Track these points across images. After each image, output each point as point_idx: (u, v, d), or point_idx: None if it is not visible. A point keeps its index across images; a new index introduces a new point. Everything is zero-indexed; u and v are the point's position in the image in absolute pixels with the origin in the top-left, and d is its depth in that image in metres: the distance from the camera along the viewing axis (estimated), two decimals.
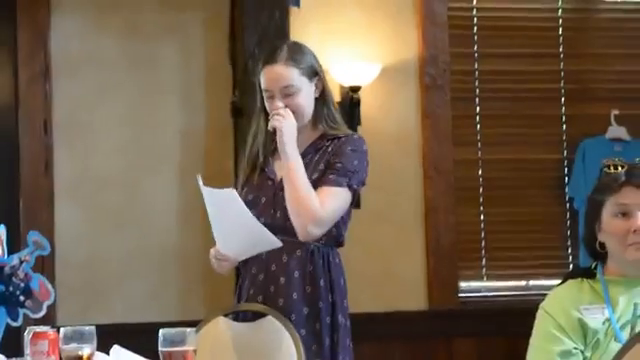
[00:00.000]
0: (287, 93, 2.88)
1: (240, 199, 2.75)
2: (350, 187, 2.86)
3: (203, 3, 4.58)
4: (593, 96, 4.95)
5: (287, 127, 2.83)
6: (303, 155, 2.88)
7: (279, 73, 2.89)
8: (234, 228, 2.79)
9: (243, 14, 4.36)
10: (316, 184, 2.84)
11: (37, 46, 4.43)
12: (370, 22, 4.71)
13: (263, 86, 2.92)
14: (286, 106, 2.87)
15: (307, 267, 2.86)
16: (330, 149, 2.89)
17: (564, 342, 2.50)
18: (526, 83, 4.90)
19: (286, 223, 2.84)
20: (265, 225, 2.82)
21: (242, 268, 2.98)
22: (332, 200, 2.83)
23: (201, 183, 2.80)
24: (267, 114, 2.93)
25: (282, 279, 2.85)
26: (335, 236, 2.91)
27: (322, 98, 2.95)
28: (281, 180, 2.88)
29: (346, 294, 2.94)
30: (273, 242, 2.77)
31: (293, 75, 2.89)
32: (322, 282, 2.86)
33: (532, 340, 2.58)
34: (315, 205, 2.79)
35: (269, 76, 2.90)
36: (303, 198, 2.80)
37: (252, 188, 2.94)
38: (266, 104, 2.93)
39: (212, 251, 2.90)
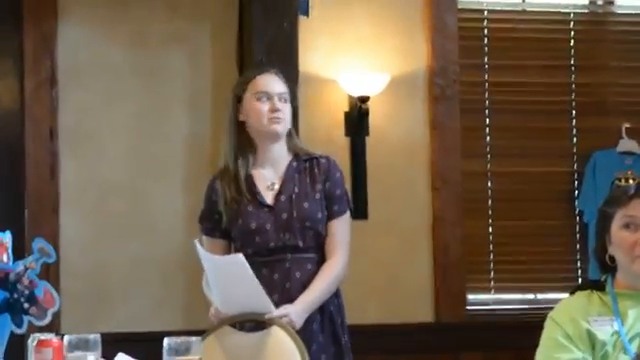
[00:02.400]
0: (283, 98, 3.10)
1: (247, 264, 2.83)
2: (350, 209, 3.15)
3: (211, 12, 4.58)
4: (604, 109, 4.93)
5: (299, 320, 2.93)
6: (288, 178, 3.09)
7: (279, 80, 3.14)
8: (236, 290, 2.88)
9: (251, 23, 4.35)
10: (321, 208, 3.06)
11: (44, 53, 4.43)
12: (379, 32, 4.70)
13: (261, 89, 3.10)
14: (282, 109, 3.08)
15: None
16: (316, 171, 3.10)
17: (572, 351, 2.50)
18: (536, 95, 4.88)
19: (297, 242, 3.03)
20: (275, 248, 3.03)
21: None
22: (344, 228, 3.11)
23: (200, 249, 2.91)
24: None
25: (298, 295, 3.00)
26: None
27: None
28: (276, 204, 3.06)
29: (344, 311, 3.16)
30: (267, 306, 2.88)
31: (286, 88, 3.15)
32: None
33: (539, 349, 2.58)
34: (341, 268, 3.06)
35: (269, 80, 3.13)
36: (335, 281, 3.07)
37: (250, 216, 3.07)
38: (258, 105, 3.08)
39: (212, 310, 3.00)
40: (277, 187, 3.08)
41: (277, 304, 2.95)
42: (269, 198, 3.07)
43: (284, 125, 3.09)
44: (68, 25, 4.47)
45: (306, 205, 3.04)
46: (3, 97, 4.47)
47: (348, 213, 3.14)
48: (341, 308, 3.11)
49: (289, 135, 3.15)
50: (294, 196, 3.05)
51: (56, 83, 4.43)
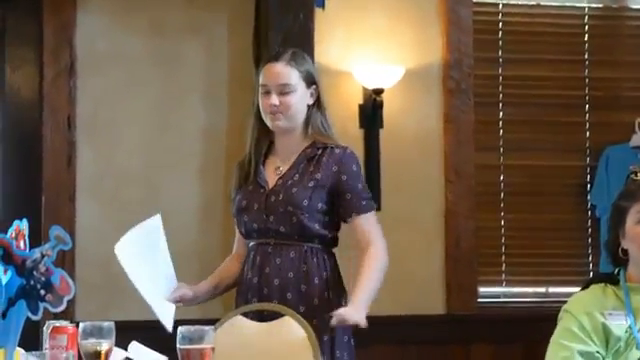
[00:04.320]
0: (283, 91, 2.99)
1: (161, 228, 2.94)
2: (374, 201, 3.07)
3: (228, 3, 4.59)
4: (618, 104, 4.92)
5: (355, 319, 2.86)
6: (296, 164, 3.00)
7: (279, 70, 3.00)
8: (151, 266, 2.93)
9: (268, 15, 4.36)
10: (311, 196, 2.93)
11: (62, 43, 4.45)
12: (394, 25, 4.70)
13: (261, 81, 3.02)
14: (280, 103, 2.97)
15: (301, 267, 2.96)
16: (325, 160, 2.99)
17: (587, 343, 2.50)
18: (550, 89, 4.88)
19: (279, 227, 2.96)
20: (259, 230, 2.99)
21: (239, 276, 3.09)
22: (375, 223, 3.04)
23: (119, 254, 2.97)
24: (259, 113, 3.04)
25: (276, 281, 2.96)
26: (330, 238, 3.03)
27: (316, 106, 3.06)
28: (270, 188, 3.00)
29: (344, 292, 3.03)
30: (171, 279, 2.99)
31: (292, 75, 3.00)
32: (316, 280, 2.96)
33: (553, 338, 2.58)
34: (384, 260, 3.01)
35: (269, 72, 3.01)
36: (383, 270, 3.01)
37: (245, 194, 3.05)
38: (260, 100, 3.02)
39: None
40: (282, 172, 3.03)
41: (256, 288, 2.95)
42: (271, 181, 3.02)
43: (285, 119, 2.99)
44: (87, 14, 4.49)
45: (294, 190, 2.96)
46: (22, 86, 4.50)
47: (374, 208, 3.05)
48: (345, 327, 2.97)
49: (306, 123, 3.04)
50: (289, 181, 2.98)
51: (74, 72, 4.45)
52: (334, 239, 3.05)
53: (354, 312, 2.83)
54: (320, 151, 3.01)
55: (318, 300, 2.95)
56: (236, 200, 3.07)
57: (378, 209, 4.54)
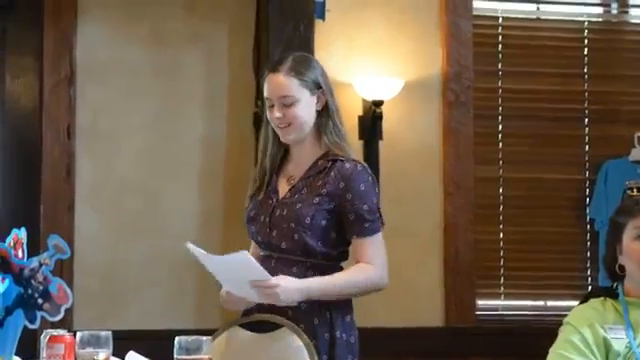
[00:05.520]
0: (285, 103, 2.88)
1: (254, 260, 2.72)
2: (382, 224, 2.89)
3: (228, 13, 4.60)
4: (617, 117, 4.93)
5: (285, 297, 2.75)
6: (306, 175, 2.89)
7: (279, 82, 2.89)
8: (244, 280, 2.75)
9: (268, 25, 4.37)
10: (315, 213, 2.83)
11: (63, 52, 4.46)
12: (394, 37, 4.71)
13: (264, 94, 2.94)
14: (284, 116, 2.88)
15: None
16: (333, 174, 2.85)
17: (587, 356, 2.49)
18: (550, 103, 4.89)
19: (281, 243, 2.86)
20: (264, 243, 2.89)
21: None
22: (378, 248, 2.87)
23: (194, 249, 2.77)
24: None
25: None
26: (335, 255, 2.89)
27: (325, 111, 2.93)
28: (279, 199, 2.91)
29: (348, 310, 2.91)
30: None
31: (292, 86, 2.88)
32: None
33: (552, 348, 2.56)
34: (370, 279, 2.84)
35: (269, 84, 2.91)
36: (360, 288, 2.84)
37: (256, 204, 2.96)
38: (267, 112, 2.94)
39: (222, 293, 2.90)
40: (293, 182, 2.93)
41: (258, 305, 2.85)
42: (282, 190, 2.93)
43: (294, 131, 2.89)
44: (87, 24, 4.50)
45: (298, 206, 2.85)
46: (22, 95, 4.51)
47: (380, 232, 2.86)
48: (346, 326, 2.89)
49: (318, 130, 2.91)
50: (297, 196, 2.88)
51: (74, 82, 4.46)
52: (341, 255, 2.92)
53: (291, 290, 2.73)
54: (330, 164, 2.88)
55: (318, 320, 2.85)
56: (247, 209, 3.02)
57: None
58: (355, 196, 2.84)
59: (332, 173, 2.86)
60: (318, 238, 2.85)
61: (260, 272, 2.71)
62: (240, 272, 2.74)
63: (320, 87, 2.93)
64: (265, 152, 3.00)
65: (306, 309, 2.83)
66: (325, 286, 2.80)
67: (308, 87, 2.91)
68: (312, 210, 2.84)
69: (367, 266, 2.84)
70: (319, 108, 2.93)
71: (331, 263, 2.90)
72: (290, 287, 2.73)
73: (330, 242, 2.87)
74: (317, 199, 2.85)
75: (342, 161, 2.87)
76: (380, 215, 2.88)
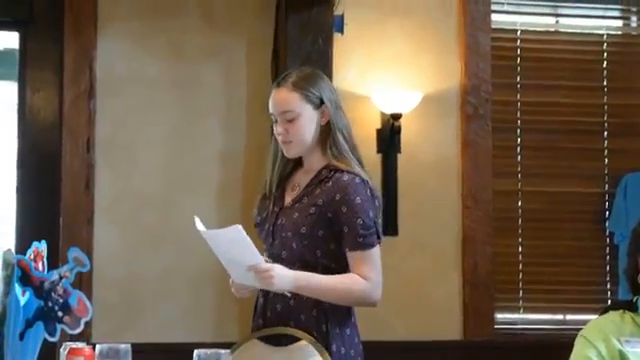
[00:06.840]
0: (287, 118, 2.89)
1: (245, 234, 2.70)
2: (379, 238, 2.85)
3: (247, 27, 4.62)
4: (636, 131, 4.92)
5: (278, 282, 2.75)
6: (308, 185, 2.90)
7: (281, 97, 2.90)
8: (240, 259, 2.77)
9: (287, 39, 4.38)
10: (310, 223, 2.82)
11: (82, 65, 4.48)
12: (413, 50, 4.72)
13: (270, 110, 2.94)
14: (286, 131, 2.88)
15: (303, 295, 2.82)
16: (330, 185, 2.84)
17: None
18: (569, 116, 4.88)
19: (281, 252, 2.86)
20: (267, 250, 2.90)
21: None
22: (372, 263, 2.83)
23: (201, 226, 2.78)
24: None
25: (278, 306, 2.87)
26: (335, 267, 2.86)
27: (328, 126, 2.92)
28: (283, 207, 2.91)
29: (348, 323, 2.88)
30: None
31: (294, 101, 2.88)
32: (315, 312, 2.83)
33: None
34: (360, 293, 2.80)
35: (272, 99, 2.93)
36: (348, 297, 2.81)
37: (261, 213, 2.99)
38: (273, 127, 2.96)
39: (230, 280, 2.92)
40: (297, 191, 2.92)
41: (262, 309, 2.90)
42: (288, 197, 2.93)
43: (296, 146, 2.90)
44: (107, 38, 4.52)
45: (295, 216, 2.85)
46: (42, 108, 4.53)
47: (376, 247, 2.83)
48: (345, 340, 2.86)
49: (323, 144, 2.91)
50: (297, 205, 2.88)
51: (94, 95, 4.48)
52: (344, 268, 2.85)
53: (284, 277, 2.73)
54: (332, 174, 2.86)
55: (317, 333, 2.82)
56: (255, 214, 3.03)
57: (395, 234, 4.57)
58: (350, 209, 2.81)
59: (329, 183, 2.85)
60: (316, 248, 2.84)
61: (252, 249, 2.72)
62: (236, 250, 2.74)
63: (323, 102, 2.92)
64: (274, 165, 3.01)
65: (305, 322, 2.83)
66: (315, 285, 2.77)
67: (311, 102, 2.90)
68: (308, 220, 2.83)
69: (360, 280, 2.80)
70: (323, 123, 2.93)
71: (333, 274, 2.85)
72: (283, 274, 2.74)
73: (330, 253, 2.85)
74: (313, 209, 2.84)
75: (341, 173, 2.86)
76: (377, 230, 2.84)
